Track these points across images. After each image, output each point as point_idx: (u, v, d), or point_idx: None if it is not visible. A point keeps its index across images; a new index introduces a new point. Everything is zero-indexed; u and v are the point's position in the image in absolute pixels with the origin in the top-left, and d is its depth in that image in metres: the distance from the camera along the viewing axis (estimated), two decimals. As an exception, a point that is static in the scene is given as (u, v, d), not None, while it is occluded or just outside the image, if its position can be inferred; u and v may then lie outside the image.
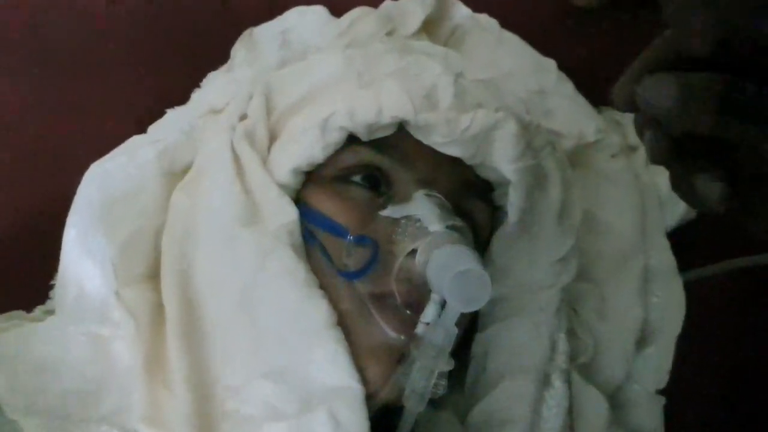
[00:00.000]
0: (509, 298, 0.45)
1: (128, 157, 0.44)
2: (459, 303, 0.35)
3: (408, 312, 0.38)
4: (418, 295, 0.38)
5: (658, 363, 0.49)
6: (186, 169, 0.44)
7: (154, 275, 0.42)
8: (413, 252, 0.38)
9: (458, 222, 0.39)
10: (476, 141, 0.40)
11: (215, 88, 0.48)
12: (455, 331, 0.36)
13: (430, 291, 0.37)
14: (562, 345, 0.45)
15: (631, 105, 0.24)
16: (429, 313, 0.37)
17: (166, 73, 0.53)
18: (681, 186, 0.25)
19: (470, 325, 0.45)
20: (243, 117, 0.44)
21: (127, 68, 0.53)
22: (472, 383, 0.46)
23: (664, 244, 0.51)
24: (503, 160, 0.41)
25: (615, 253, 0.50)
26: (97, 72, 0.53)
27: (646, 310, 0.50)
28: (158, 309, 0.41)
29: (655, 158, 0.26)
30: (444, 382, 0.37)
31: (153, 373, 0.39)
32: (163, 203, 0.43)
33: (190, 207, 0.42)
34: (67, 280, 0.42)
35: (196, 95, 0.49)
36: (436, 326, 0.37)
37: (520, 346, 0.44)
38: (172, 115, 0.48)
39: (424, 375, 0.36)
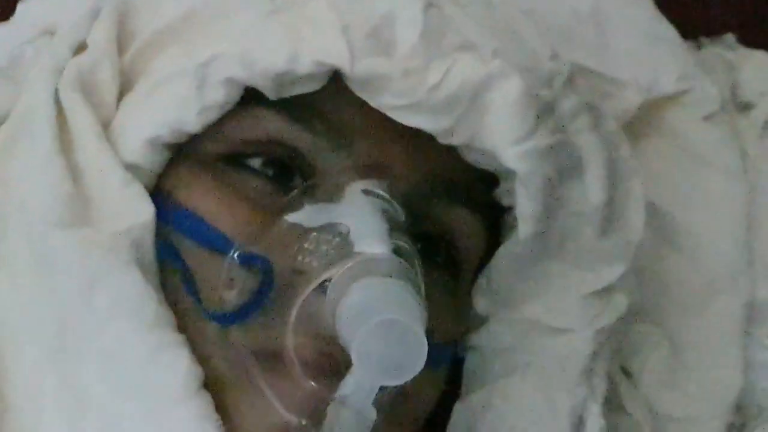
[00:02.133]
0: (513, 348, 0.32)
1: None
2: (373, 370, 0.24)
3: (312, 382, 0.26)
4: (329, 355, 0.26)
5: None
6: None
7: None
8: (325, 285, 0.26)
9: (405, 242, 0.28)
10: (455, 107, 0.28)
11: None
12: (372, 414, 0.25)
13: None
14: (595, 424, 0.32)
15: None
16: (348, 384, 0.25)
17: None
18: None
19: (446, 393, 0.33)
20: (82, 48, 0.30)
21: None
22: None
23: None
24: (501, 139, 0.28)
25: (702, 282, 0.36)
26: None
27: (749, 372, 0.35)
28: None
29: None
30: None
31: None
32: None
33: None
34: None
35: (25, 6, 0.36)
36: (340, 407, 0.25)
37: (524, 422, 0.32)
38: None
39: None
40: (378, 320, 0.23)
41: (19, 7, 0.35)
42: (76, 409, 0.27)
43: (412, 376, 0.23)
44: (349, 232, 0.27)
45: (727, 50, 0.42)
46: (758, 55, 0.41)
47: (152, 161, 0.28)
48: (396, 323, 0.23)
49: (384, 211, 0.28)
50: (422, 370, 0.24)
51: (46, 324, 0.27)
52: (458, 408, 0.33)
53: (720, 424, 0.34)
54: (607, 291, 0.32)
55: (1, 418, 0.28)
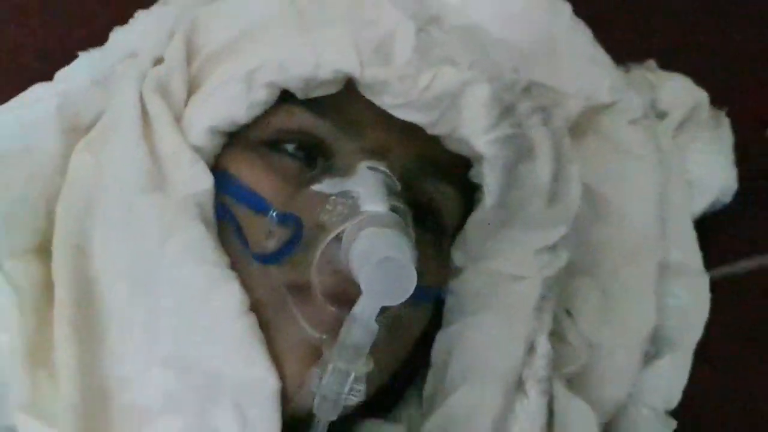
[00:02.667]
0: (481, 292, 0.38)
1: (25, 108, 0.38)
2: (376, 295, 0.29)
3: (332, 307, 0.32)
4: (344, 287, 0.31)
5: (670, 378, 0.41)
6: (89, 126, 0.37)
7: (44, 250, 0.35)
8: (340, 235, 0.31)
9: (400, 204, 0.33)
10: (439, 105, 0.34)
11: (138, 27, 0.41)
12: (375, 328, 0.30)
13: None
14: (543, 348, 0.38)
15: None
16: (358, 306, 0.30)
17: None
18: None
19: (431, 326, 0.39)
20: (159, 61, 0.37)
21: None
22: (430, 394, 0.39)
23: (689, 235, 0.44)
24: (474, 130, 0.34)
25: (625, 244, 0.43)
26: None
27: (661, 314, 0.42)
28: (46, 288, 0.34)
29: None
30: (362, 388, 0.31)
31: (36, 359, 0.33)
32: (62, 165, 0.36)
33: (93, 170, 0.35)
34: None
35: (115, 35, 0.42)
36: (352, 322, 0.30)
37: (489, 347, 0.38)
38: (85, 59, 0.41)
39: (338, 379, 0.30)
40: (379, 258, 0.29)
41: (111, 36, 0.42)
42: (157, 322, 0.32)
43: (405, 299, 0.29)
44: (358, 197, 0.32)
45: (649, 72, 0.49)
46: (673, 76, 0.48)
47: (212, 145, 0.35)
48: (393, 259, 0.29)
49: (385, 183, 0.33)
50: (412, 303, 0.30)
51: (133, 266, 0.33)
52: (439, 337, 0.39)
53: (638, 351, 0.41)
54: (552, 248, 0.39)
55: (94, 329, 0.33)
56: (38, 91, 0.39)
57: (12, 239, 0.35)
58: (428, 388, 0.39)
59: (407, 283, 0.29)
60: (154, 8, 0.43)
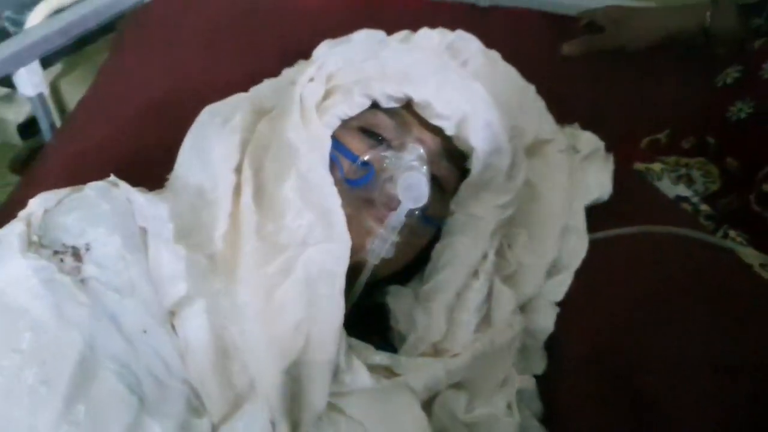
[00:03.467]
0: (462, 223, 0.68)
1: (233, 100, 0.71)
2: (407, 200, 0.59)
3: (385, 211, 0.61)
4: (392, 201, 0.61)
5: (559, 285, 0.70)
6: (269, 111, 0.70)
7: (238, 168, 0.65)
8: (394, 176, 0.61)
9: (422, 164, 0.63)
10: (456, 120, 0.65)
11: (298, 70, 0.75)
12: (403, 219, 0.60)
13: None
14: (491, 257, 0.67)
15: None
16: (398, 211, 0.61)
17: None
18: None
19: (433, 240, 0.69)
20: (312, 80, 0.67)
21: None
22: (427, 273, 0.68)
23: (581, 214, 0.74)
24: (475, 139, 0.66)
25: (545, 213, 0.73)
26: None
27: (560, 252, 0.71)
28: (238, 188, 0.63)
29: None
30: (393, 248, 0.60)
31: (233, 221, 0.61)
32: (251, 127, 0.68)
33: (268, 132, 0.66)
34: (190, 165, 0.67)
35: (285, 71, 0.77)
36: (393, 215, 0.60)
37: (462, 252, 0.67)
38: (267, 82, 0.75)
39: (382, 242, 0.60)
40: (409, 182, 0.59)
41: (284, 72, 0.76)
42: (261, 200, 0.61)
43: (421, 204, 0.59)
44: (404, 160, 0.61)
45: (574, 129, 0.81)
46: (586, 132, 0.80)
47: (332, 126, 0.64)
48: (417, 181, 0.59)
49: (419, 156, 0.63)
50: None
51: (286, 170, 0.61)
52: (437, 246, 0.68)
53: (544, 269, 0.69)
54: (504, 205, 0.68)
55: (263, 205, 0.62)
56: (242, 95, 0.72)
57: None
58: (427, 271, 0.67)
59: (422, 198, 0.59)
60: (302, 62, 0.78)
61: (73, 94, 1.24)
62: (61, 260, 0.54)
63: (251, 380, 0.53)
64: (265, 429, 0.51)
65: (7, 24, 1.33)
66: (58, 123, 1.15)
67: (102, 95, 1.03)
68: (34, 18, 1.17)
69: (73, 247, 0.55)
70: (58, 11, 1.19)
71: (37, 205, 0.58)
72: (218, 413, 0.51)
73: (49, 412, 0.47)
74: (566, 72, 0.85)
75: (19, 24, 1.29)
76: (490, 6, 1.01)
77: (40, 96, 1.07)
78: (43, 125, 1.13)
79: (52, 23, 1.11)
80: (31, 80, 1.04)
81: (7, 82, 1.08)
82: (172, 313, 0.56)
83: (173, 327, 0.55)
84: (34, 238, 0.55)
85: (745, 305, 0.60)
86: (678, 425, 0.57)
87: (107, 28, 1.22)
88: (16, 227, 0.55)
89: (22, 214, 0.57)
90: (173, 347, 0.54)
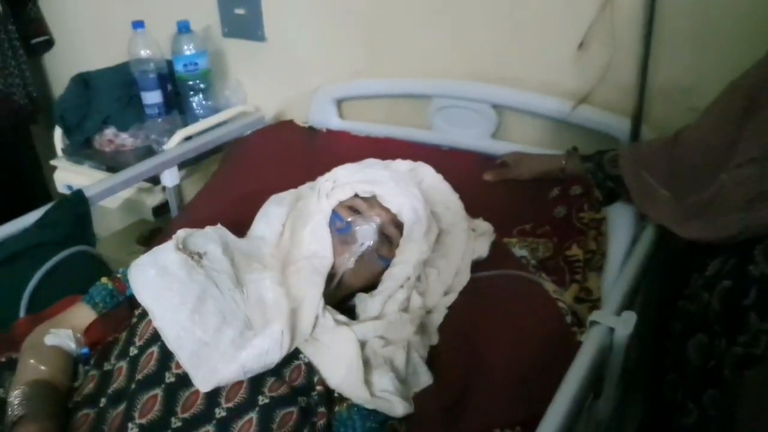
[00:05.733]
0: (398, 260, 1.25)
1: (286, 192, 1.35)
2: (363, 240, 1.20)
3: (352, 247, 1.21)
4: (355, 242, 1.20)
5: (450, 299, 1.24)
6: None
7: (283, 224, 1.29)
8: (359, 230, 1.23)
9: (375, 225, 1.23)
10: (397, 206, 1.25)
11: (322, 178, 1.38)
12: (361, 250, 1.20)
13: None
14: (413, 279, 1.20)
15: None
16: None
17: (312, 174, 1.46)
18: None
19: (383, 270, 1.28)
20: (326, 181, 1.32)
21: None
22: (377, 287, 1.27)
23: (468, 263, 1.31)
24: (405, 217, 1.25)
25: (448, 262, 1.31)
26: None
27: (453, 283, 1.29)
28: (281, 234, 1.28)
29: None
30: (354, 265, 1.20)
31: (277, 248, 1.25)
32: (294, 204, 1.31)
33: (301, 206, 1.30)
34: None
35: (317, 182, 1.39)
36: (354, 247, 1.20)
37: (395, 274, 1.21)
38: (307, 183, 1.39)
39: (347, 261, 1.19)
40: (365, 229, 1.22)
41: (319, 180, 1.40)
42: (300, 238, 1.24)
43: (370, 242, 1.20)
44: (367, 223, 1.22)
45: (478, 220, 1.40)
46: (484, 223, 1.39)
47: (333, 204, 1.24)
48: (368, 230, 1.21)
49: (376, 222, 1.23)
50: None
51: (297, 220, 1.26)
52: (384, 274, 1.28)
53: (443, 290, 1.27)
54: (421, 252, 1.25)
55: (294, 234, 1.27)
56: (292, 190, 1.37)
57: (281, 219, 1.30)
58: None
59: (371, 237, 1.20)
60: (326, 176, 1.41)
61: (191, 189, 1.92)
62: (192, 257, 1.15)
63: (275, 314, 1.11)
64: (278, 336, 1.07)
65: (153, 144, 2.05)
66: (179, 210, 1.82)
67: (212, 191, 1.70)
68: (172, 142, 1.88)
69: (198, 253, 1.17)
70: (187, 138, 1.90)
71: (181, 233, 1.20)
72: (259, 328, 1.09)
73: (183, 315, 1.07)
74: (481, 189, 1.45)
75: (160, 144, 2.01)
76: (450, 149, 1.65)
77: (176, 187, 1.75)
78: (173, 207, 1.80)
79: (184, 146, 1.82)
80: (171, 178, 1.73)
81: (150, 179, 1.77)
82: (242, 284, 1.15)
83: (243, 290, 1.14)
84: (180, 246, 1.17)
85: (536, 308, 1.15)
86: (493, 370, 1.10)
87: (215, 150, 1.92)
88: (170, 241, 1.18)
89: (173, 237, 1.19)
90: (241, 298, 1.12)
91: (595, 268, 1.23)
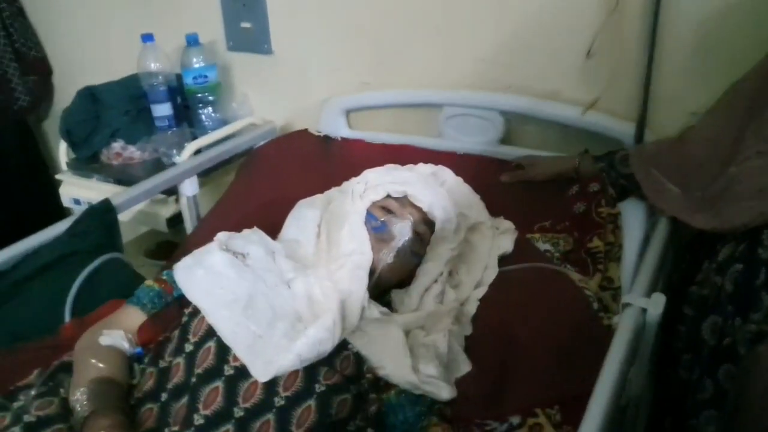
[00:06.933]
0: (430, 257, 1.33)
1: (315, 197, 1.41)
2: (400, 237, 1.27)
3: (390, 244, 1.28)
4: (392, 240, 1.28)
5: (480, 292, 1.33)
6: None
7: (318, 225, 1.35)
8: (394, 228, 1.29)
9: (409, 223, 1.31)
10: (428, 206, 1.32)
11: (350, 181, 1.45)
12: (398, 246, 1.28)
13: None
14: (445, 274, 1.30)
15: None
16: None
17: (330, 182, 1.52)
18: None
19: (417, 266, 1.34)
20: (358, 183, 1.38)
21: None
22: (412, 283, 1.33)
23: (495, 259, 1.39)
24: (437, 215, 1.33)
25: (476, 258, 1.39)
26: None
27: (482, 277, 1.36)
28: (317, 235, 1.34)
29: None
30: (392, 260, 1.27)
31: (316, 249, 1.32)
32: (325, 207, 1.38)
33: (334, 208, 1.36)
34: None
35: (344, 183, 1.46)
36: (393, 243, 1.28)
37: (429, 269, 1.30)
38: (333, 188, 1.45)
39: (386, 256, 1.26)
40: (400, 227, 1.29)
41: (343, 184, 1.47)
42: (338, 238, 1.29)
43: (407, 238, 1.28)
44: (400, 221, 1.30)
45: (498, 218, 1.49)
46: (505, 221, 1.48)
47: (367, 204, 1.31)
48: (404, 227, 1.29)
49: (409, 221, 1.31)
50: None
51: (333, 221, 1.32)
52: (417, 270, 1.35)
53: (474, 284, 1.34)
54: (452, 249, 1.33)
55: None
56: (319, 195, 1.43)
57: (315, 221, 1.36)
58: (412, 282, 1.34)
59: (406, 234, 1.27)
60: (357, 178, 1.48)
61: (203, 201, 1.96)
62: (236, 256, 1.20)
63: (324, 308, 1.16)
64: (330, 326, 1.13)
65: (163, 157, 2.09)
66: (195, 219, 1.86)
67: (231, 200, 1.74)
68: (185, 154, 1.92)
69: (241, 254, 1.22)
70: (197, 151, 1.94)
71: (221, 236, 1.25)
72: (308, 321, 1.14)
73: (236, 311, 1.12)
74: (498, 190, 1.53)
75: (169, 157, 2.04)
76: (464, 154, 1.73)
77: (194, 196, 1.79)
78: (190, 218, 1.84)
79: (200, 156, 1.86)
80: (191, 187, 1.77)
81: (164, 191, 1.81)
82: (287, 282, 1.21)
83: (289, 286, 1.20)
84: (223, 247, 1.22)
85: (564, 295, 1.23)
86: (528, 353, 1.18)
87: (226, 162, 1.97)
88: (213, 243, 1.23)
89: (214, 239, 1.24)
90: (289, 294, 1.18)
91: (615, 259, 1.32)
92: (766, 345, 1.07)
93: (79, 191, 2.10)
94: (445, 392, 1.13)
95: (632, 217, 1.39)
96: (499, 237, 1.42)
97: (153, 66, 2.02)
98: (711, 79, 1.41)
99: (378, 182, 1.36)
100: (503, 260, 1.38)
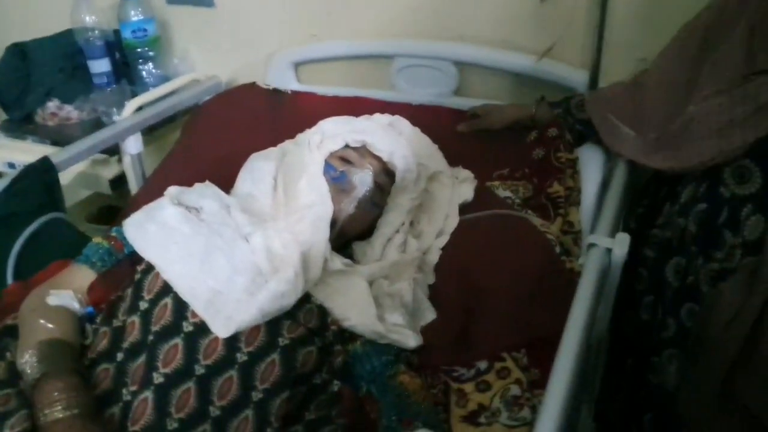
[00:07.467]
0: (391, 207, 1.31)
1: (269, 149, 1.36)
2: (361, 187, 1.24)
3: (350, 194, 1.24)
4: (353, 190, 1.24)
5: (442, 241, 1.31)
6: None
7: (274, 178, 1.30)
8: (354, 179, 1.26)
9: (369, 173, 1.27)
10: (389, 153, 1.29)
11: (306, 132, 1.40)
12: (359, 196, 1.24)
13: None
14: (407, 224, 1.29)
15: None
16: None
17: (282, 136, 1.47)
18: None
19: (377, 217, 1.32)
20: (315, 134, 1.33)
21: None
22: (373, 233, 1.31)
23: (456, 208, 1.37)
24: (398, 161, 1.30)
25: (437, 206, 1.37)
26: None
27: (443, 226, 1.35)
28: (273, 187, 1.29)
29: None
30: (353, 211, 1.24)
31: (273, 201, 1.27)
32: (280, 158, 1.32)
33: (291, 159, 1.32)
34: None
35: (298, 135, 1.41)
36: (354, 193, 1.24)
37: (391, 219, 1.28)
38: (287, 141, 1.40)
39: (347, 207, 1.23)
40: (361, 177, 1.25)
41: (297, 136, 1.41)
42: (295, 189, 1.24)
43: (368, 188, 1.25)
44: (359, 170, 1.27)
45: (457, 168, 1.46)
46: (464, 170, 1.47)
47: (324, 155, 1.27)
48: (365, 177, 1.25)
49: (368, 171, 1.28)
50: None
51: (291, 170, 1.27)
52: (378, 221, 1.31)
53: (435, 233, 1.32)
54: (412, 199, 1.31)
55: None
56: (273, 148, 1.38)
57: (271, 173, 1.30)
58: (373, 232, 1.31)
59: (367, 184, 1.24)
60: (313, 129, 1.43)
61: (148, 160, 1.87)
62: (189, 211, 1.15)
63: (285, 261, 1.12)
64: (291, 279, 1.09)
65: (102, 116, 1.99)
66: (140, 179, 1.78)
67: (178, 158, 1.67)
68: (126, 111, 1.83)
69: (194, 208, 1.16)
70: (139, 109, 1.85)
71: (172, 190, 1.19)
72: (270, 275, 1.11)
73: (193, 266, 1.06)
74: (456, 140, 1.51)
75: (109, 116, 1.95)
76: (419, 105, 1.70)
77: (139, 155, 1.71)
78: (134, 178, 1.76)
79: (143, 113, 1.77)
80: (135, 145, 1.69)
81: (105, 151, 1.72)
82: (245, 236, 1.16)
83: (247, 240, 1.15)
84: (175, 202, 1.16)
85: (527, 241, 1.22)
86: (492, 299, 1.17)
87: (170, 119, 1.88)
88: (164, 198, 1.17)
89: (164, 194, 1.18)
90: (248, 248, 1.13)
91: (575, 203, 1.32)
92: (729, 282, 1.08)
93: (13, 154, 1.97)
94: (411, 340, 1.12)
95: (590, 161, 1.39)
96: (459, 186, 1.40)
97: (88, 20, 1.90)
98: (663, 26, 1.40)
99: (335, 132, 1.31)
100: (464, 209, 1.37)
